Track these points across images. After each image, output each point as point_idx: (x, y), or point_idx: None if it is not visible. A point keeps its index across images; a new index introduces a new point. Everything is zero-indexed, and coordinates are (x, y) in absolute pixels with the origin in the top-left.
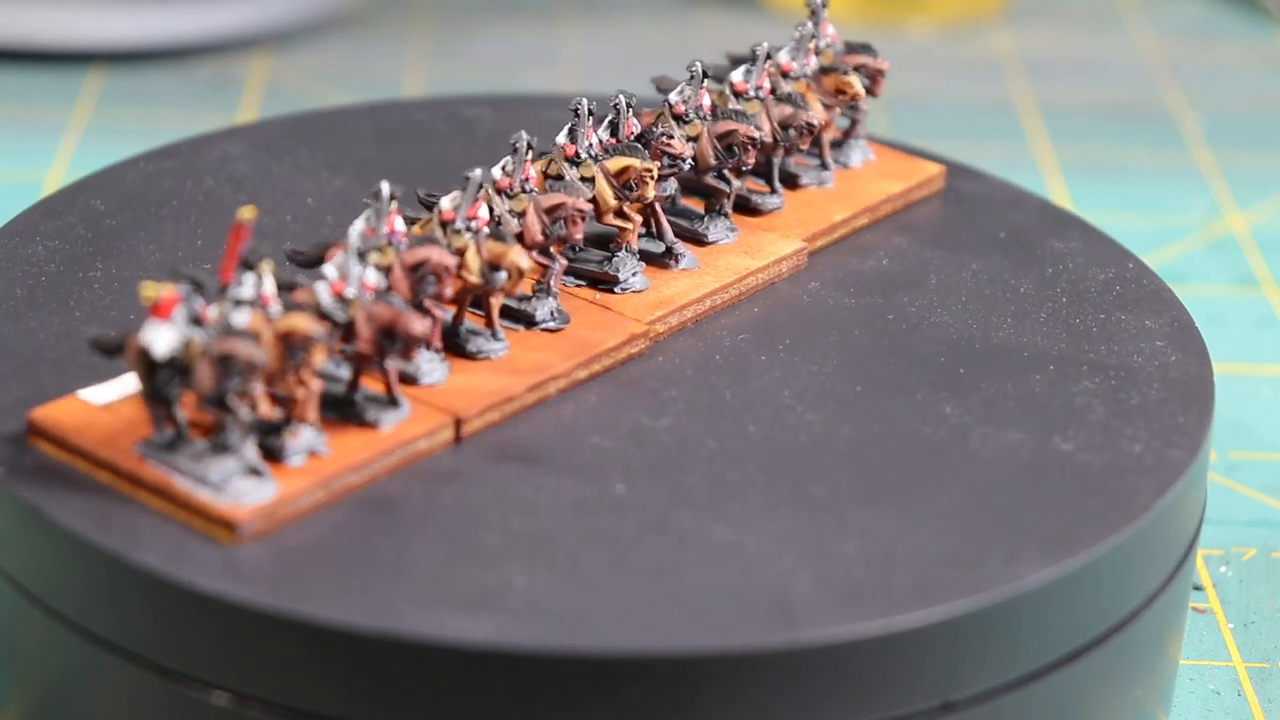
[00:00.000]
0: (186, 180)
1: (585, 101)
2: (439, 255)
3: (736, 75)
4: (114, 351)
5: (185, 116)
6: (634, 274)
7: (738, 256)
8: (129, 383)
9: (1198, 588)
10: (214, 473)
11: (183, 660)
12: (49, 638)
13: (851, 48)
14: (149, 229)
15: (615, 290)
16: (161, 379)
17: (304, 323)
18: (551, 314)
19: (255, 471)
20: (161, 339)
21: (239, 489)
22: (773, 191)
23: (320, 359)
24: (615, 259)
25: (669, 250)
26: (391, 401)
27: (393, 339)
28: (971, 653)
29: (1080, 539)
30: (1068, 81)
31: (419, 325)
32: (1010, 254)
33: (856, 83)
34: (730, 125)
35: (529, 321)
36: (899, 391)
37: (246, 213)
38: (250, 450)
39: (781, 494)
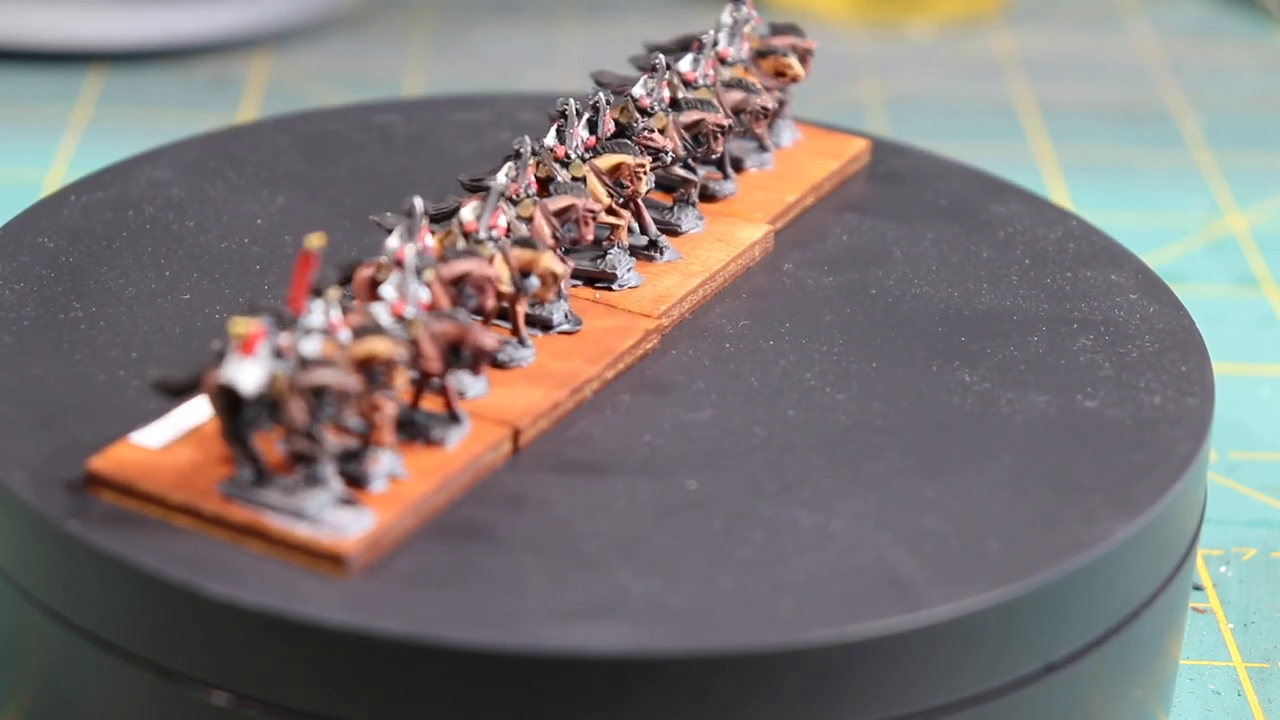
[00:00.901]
0: (126, 210)
1: (573, 102)
2: (480, 267)
3: (684, 65)
4: (181, 392)
5: (185, 116)
6: (629, 270)
7: (712, 245)
8: (179, 423)
9: (1198, 588)
10: (310, 506)
11: (310, 697)
12: (132, 688)
13: (777, 29)
14: (110, 263)
15: (613, 288)
16: (249, 416)
17: (384, 346)
18: (565, 316)
19: (347, 501)
20: (249, 376)
21: (338, 521)
22: (725, 177)
23: (401, 381)
24: (609, 256)
25: (653, 244)
26: (453, 418)
27: (458, 355)
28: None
29: (1143, 492)
30: (1068, 81)
31: (490, 339)
32: (959, 221)
33: (795, 64)
34: (697, 115)
35: (545, 326)
36: (913, 364)
37: (315, 240)
38: (337, 480)
39: (845, 475)
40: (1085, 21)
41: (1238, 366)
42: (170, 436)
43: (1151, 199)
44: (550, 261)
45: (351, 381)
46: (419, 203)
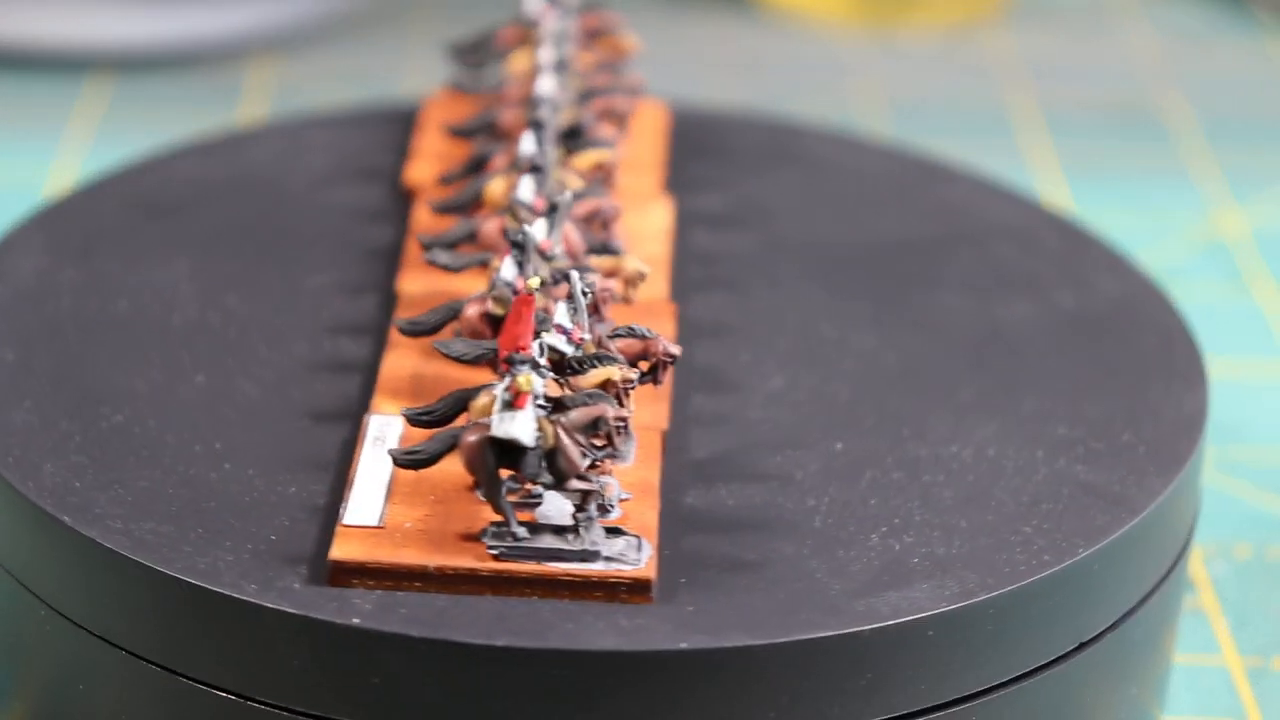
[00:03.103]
0: (24, 305)
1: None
2: (601, 282)
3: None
4: (429, 463)
5: (186, 119)
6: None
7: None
8: (372, 492)
9: (1191, 585)
10: (603, 545)
11: None
12: None
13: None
14: (61, 355)
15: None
16: (530, 467)
17: (618, 372)
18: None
19: (613, 531)
20: (526, 427)
21: (623, 551)
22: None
23: (632, 404)
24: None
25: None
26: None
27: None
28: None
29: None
30: (1067, 82)
31: (675, 346)
32: (795, 169)
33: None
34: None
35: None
36: (897, 299)
37: (534, 282)
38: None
39: (951, 406)
40: (1084, 23)
41: (1234, 365)
42: (378, 510)
43: (1150, 199)
44: (632, 262)
45: (622, 409)
46: (533, 230)
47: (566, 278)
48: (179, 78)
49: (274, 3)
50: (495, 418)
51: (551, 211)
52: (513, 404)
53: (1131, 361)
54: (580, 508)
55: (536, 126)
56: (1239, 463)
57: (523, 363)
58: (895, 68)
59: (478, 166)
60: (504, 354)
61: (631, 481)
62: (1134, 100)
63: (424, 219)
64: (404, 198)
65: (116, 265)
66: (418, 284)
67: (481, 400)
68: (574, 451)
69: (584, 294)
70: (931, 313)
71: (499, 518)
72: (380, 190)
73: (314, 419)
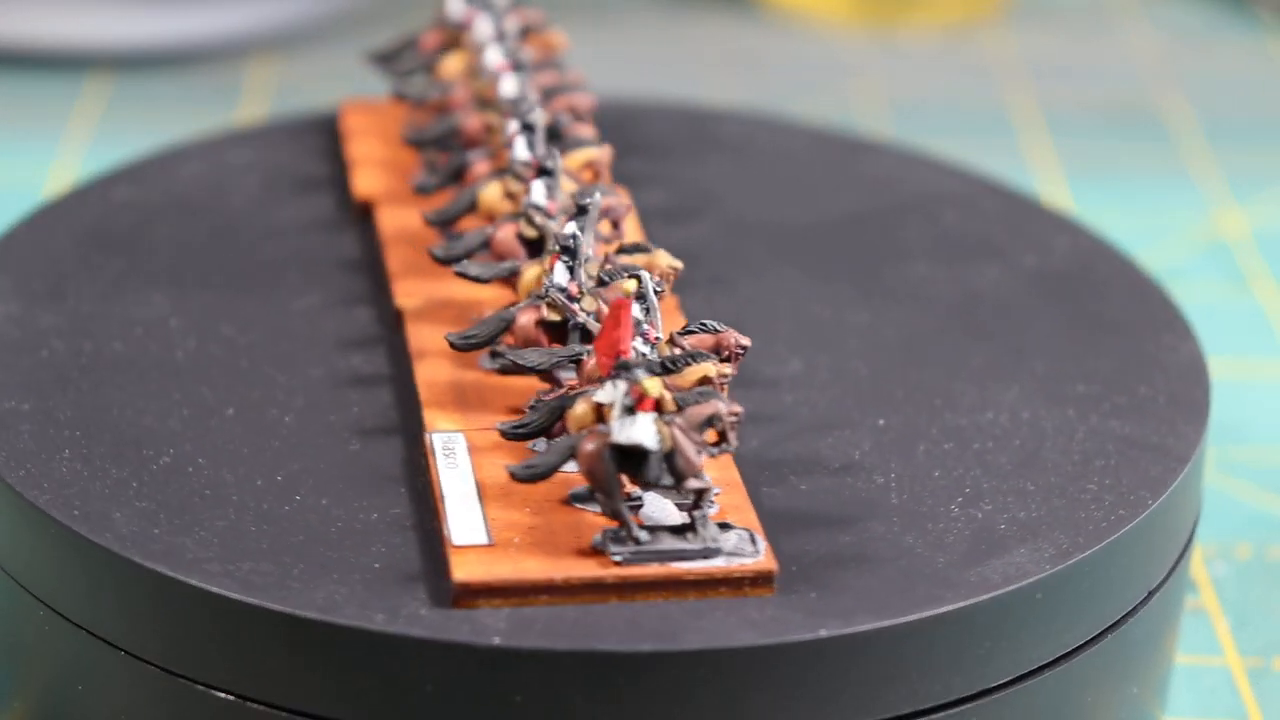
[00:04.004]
0: (16, 356)
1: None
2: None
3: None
4: (548, 475)
5: (186, 119)
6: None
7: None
8: (465, 510)
9: (1192, 585)
10: (722, 541)
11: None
12: None
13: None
14: (78, 403)
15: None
16: (653, 471)
17: (713, 367)
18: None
19: (724, 526)
20: (648, 431)
21: (738, 545)
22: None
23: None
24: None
25: None
26: None
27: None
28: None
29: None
30: (1067, 82)
31: (745, 338)
32: (723, 155)
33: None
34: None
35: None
36: (871, 274)
37: (630, 285)
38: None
39: (968, 375)
40: (1084, 23)
41: (1234, 365)
42: (481, 527)
43: (1150, 199)
44: (664, 258)
45: (733, 403)
46: (573, 229)
47: (638, 278)
48: (179, 77)
49: (274, 3)
50: (615, 424)
51: (581, 213)
52: (634, 408)
53: (1114, 315)
54: (696, 505)
55: (528, 129)
56: (1240, 463)
57: (634, 367)
58: (895, 67)
59: (458, 174)
60: (603, 360)
61: (713, 478)
62: (1134, 100)
63: (389, 230)
64: (354, 210)
65: (92, 305)
66: (414, 297)
67: (580, 408)
68: (692, 451)
69: (656, 292)
70: (909, 284)
71: (612, 524)
72: (325, 203)
73: (361, 439)
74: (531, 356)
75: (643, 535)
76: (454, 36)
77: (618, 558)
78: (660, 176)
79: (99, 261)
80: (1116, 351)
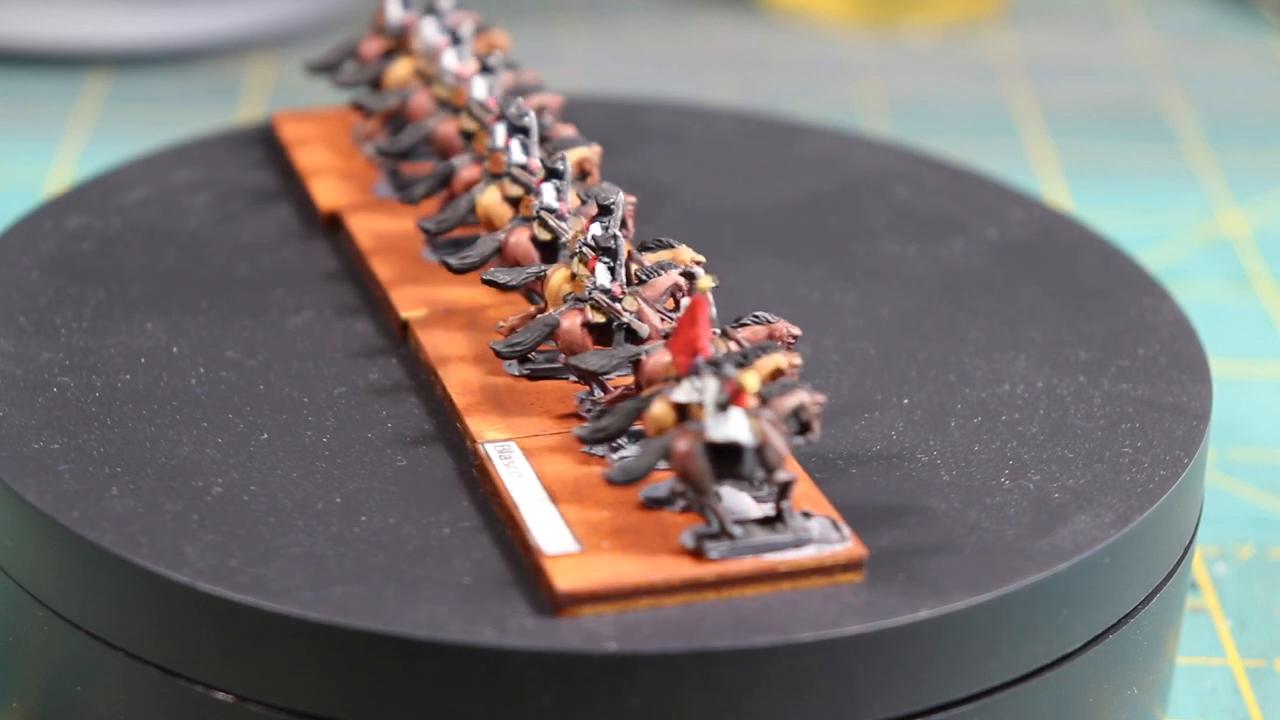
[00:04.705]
0: (29, 394)
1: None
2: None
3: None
4: (643, 477)
5: (186, 118)
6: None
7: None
8: (544, 518)
9: (1194, 586)
10: (810, 529)
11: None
12: None
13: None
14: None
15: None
16: (749, 465)
17: (784, 358)
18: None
19: (806, 514)
20: (742, 426)
21: (824, 532)
22: None
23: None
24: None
25: None
26: None
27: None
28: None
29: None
30: (1067, 82)
31: (796, 327)
32: (658, 145)
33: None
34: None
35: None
36: (844, 254)
37: (706, 282)
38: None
39: (971, 349)
40: (1085, 22)
41: (1235, 365)
42: (566, 534)
43: (1150, 199)
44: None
45: (818, 393)
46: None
47: (692, 275)
48: (178, 77)
49: (274, 3)
50: (710, 421)
51: (605, 213)
52: (728, 405)
53: (1088, 281)
54: (783, 496)
55: (521, 132)
56: (1240, 463)
57: (719, 363)
58: (896, 67)
59: (444, 181)
60: (680, 358)
61: None
62: (1134, 100)
63: (367, 241)
64: (320, 221)
65: (85, 337)
66: (416, 307)
67: (658, 408)
68: (781, 443)
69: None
70: (883, 261)
71: (694, 520)
72: (284, 216)
73: (404, 453)
74: (593, 361)
75: (738, 530)
76: (395, 42)
77: (715, 554)
78: (604, 171)
79: (75, 292)
80: (1103, 316)
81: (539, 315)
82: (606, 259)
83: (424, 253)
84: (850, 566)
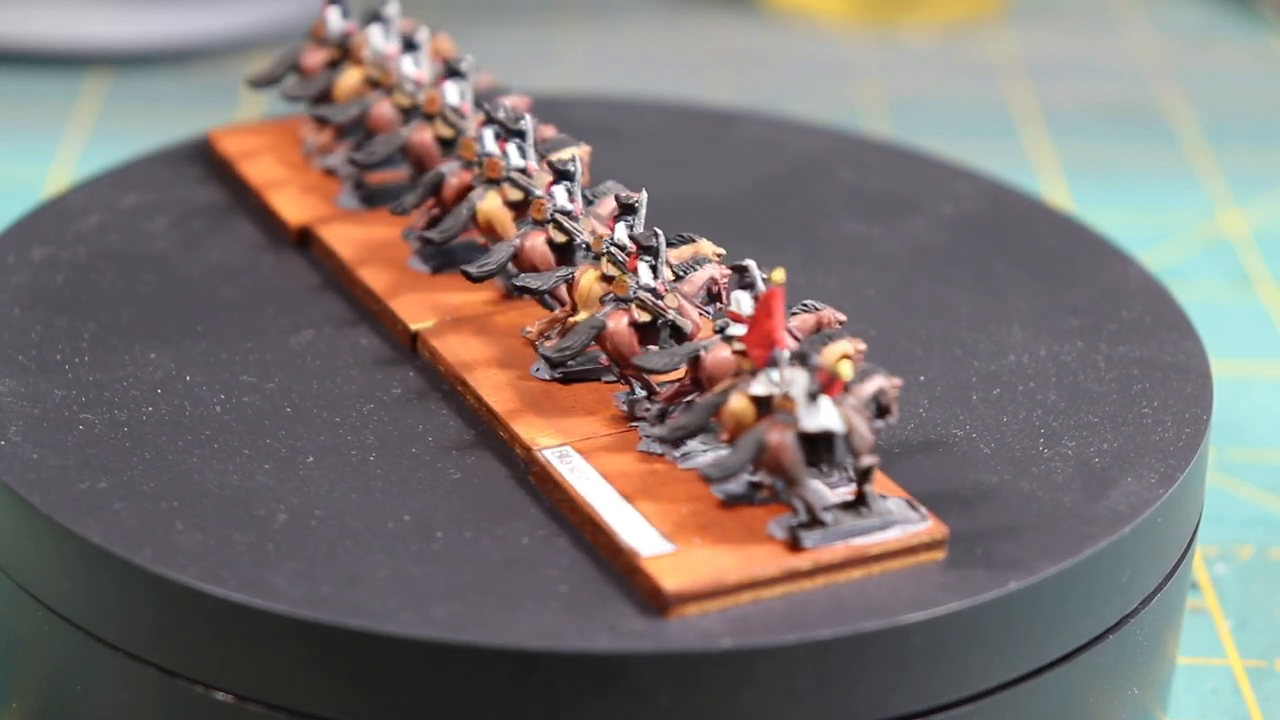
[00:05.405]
0: (55, 434)
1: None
2: (717, 270)
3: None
4: (738, 472)
5: (186, 118)
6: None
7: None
8: (628, 520)
9: (1194, 586)
10: (892, 512)
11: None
12: None
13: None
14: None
15: None
16: (840, 452)
17: (849, 345)
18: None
19: (882, 496)
20: (833, 415)
21: (904, 512)
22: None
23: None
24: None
25: None
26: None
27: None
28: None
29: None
30: (1067, 82)
31: (840, 313)
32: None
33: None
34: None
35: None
36: (811, 238)
37: (778, 275)
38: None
39: (967, 322)
40: (1085, 22)
41: (1235, 365)
42: (654, 535)
43: (1150, 199)
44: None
45: (891, 376)
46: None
47: (744, 268)
48: (178, 77)
49: (274, 3)
50: (801, 412)
51: (629, 212)
52: (819, 394)
53: (1051, 249)
54: (865, 480)
55: (519, 136)
56: (1240, 463)
57: (805, 354)
58: (896, 66)
59: (434, 189)
60: (757, 352)
61: None
62: (1135, 99)
63: (349, 253)
64: (289, 236)
65: (93, 371)
66: (422, 317)
67: (737, 403)
68: (865, 428)
69: (763, 282)
70: (851, 243)
71: (783, 512)
72: (248, 233)
73: (455, 465)
74: (657, 360)
75: (829, 518)
76: (339, 52)
77: (809, 543)
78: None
79: (65, 325)
80: (1077, 282)
81: (573, 318)
82: (649, 257)
83: (411, 262)
84: (934, 545)
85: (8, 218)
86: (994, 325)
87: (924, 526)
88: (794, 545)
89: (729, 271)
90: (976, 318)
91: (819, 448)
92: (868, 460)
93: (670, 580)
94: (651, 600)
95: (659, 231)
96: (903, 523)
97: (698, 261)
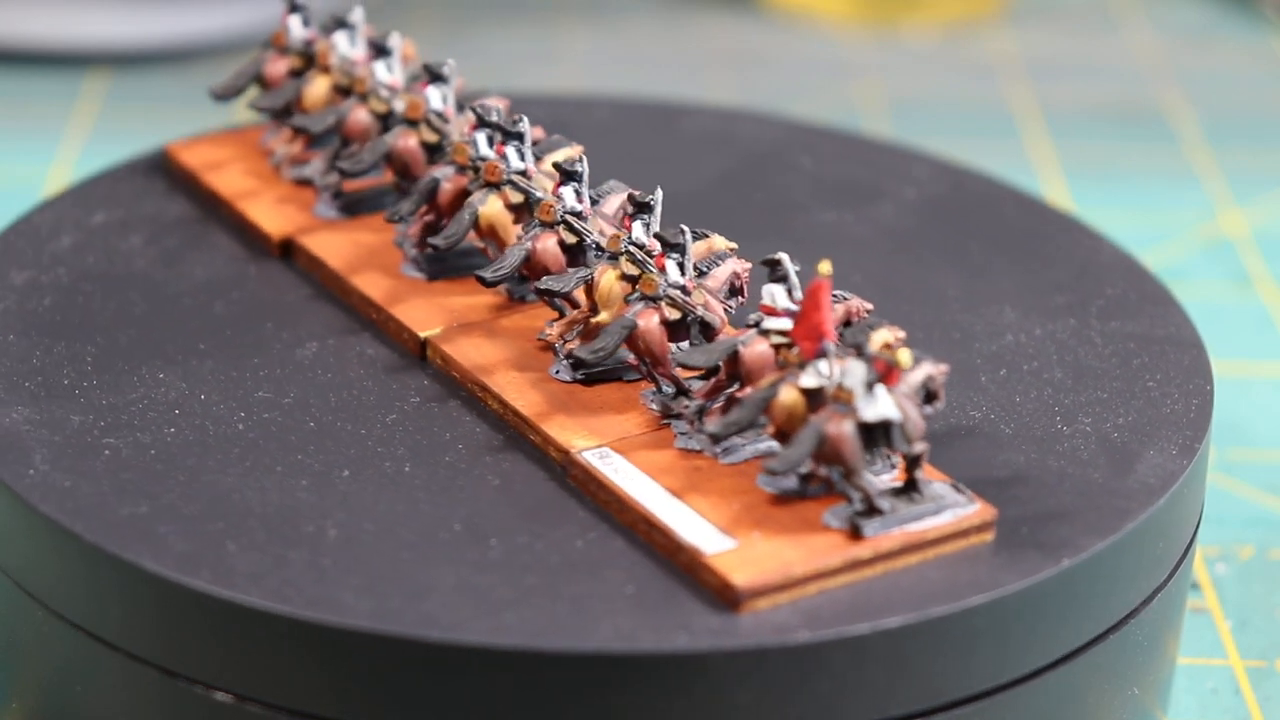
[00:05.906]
0: (81, 459)
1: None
2: (739, 264)
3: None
4: (800, 464)
5: (186, 118)
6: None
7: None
8: (683, 519)
9: (1195, 586)
10: (942, 496)
11: None
12: None
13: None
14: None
15: None
16: (898, 439)
17: (889, 333)
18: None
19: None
20: (889, 404)
21: (953, 498)
22: None
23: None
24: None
25: None
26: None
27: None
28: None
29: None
30: (1067, 82)
31: (867, 302)
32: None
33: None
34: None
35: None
36: (787, 229)
37: (825, 266)
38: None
39: (959, 305)
40: (1085, 22)
41: (1235, 365)
42: (713, 531)
43: (1150, 199)
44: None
45: (938, 362)
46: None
47: (777, 262)
48: (178, 76)
49: (274, 2)
50: (860, 402)
51: (645, 210)
52: (877, 383)
53: (1023, 228)
54: (916, 465)
55: (517, 139)
56: (1240, 463)
57: (860, 345)
58: (896, 66)
59: (430, 195)
60: (806, 344)
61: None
62: (1135, 99)
63: (338, 262)
64: (271, 247)
65: (104, 395)
66: (429, 323)
67: (787, 396)
68: (917, 415)
69: (796, 273)
70: (826, 230)
71: (837, 502)
72: (227, 246)
73: (493, 471)
74: (699, 357)
75: (886, 505)
76: (302, 60)
77: (869, 531)
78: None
79: (64, 350)
80: (1054, 261)
81: (595, 319)
82: (676, 254)
83: (404, 268)
84: (984, 527)
85: (8, 217)
86: (984, 307)
87: (974, 509)
88: (854, 534)
89: (749, 265)
90: (966, 300)
91: (875, 436)
92: (920, 446)
93: (740, 576)
94: (721, 596)
95: (685, 228)
96: (953, 507)
97: (717, 257)
